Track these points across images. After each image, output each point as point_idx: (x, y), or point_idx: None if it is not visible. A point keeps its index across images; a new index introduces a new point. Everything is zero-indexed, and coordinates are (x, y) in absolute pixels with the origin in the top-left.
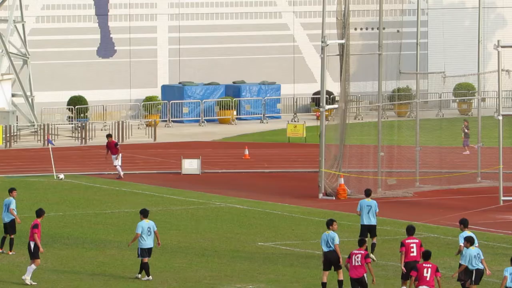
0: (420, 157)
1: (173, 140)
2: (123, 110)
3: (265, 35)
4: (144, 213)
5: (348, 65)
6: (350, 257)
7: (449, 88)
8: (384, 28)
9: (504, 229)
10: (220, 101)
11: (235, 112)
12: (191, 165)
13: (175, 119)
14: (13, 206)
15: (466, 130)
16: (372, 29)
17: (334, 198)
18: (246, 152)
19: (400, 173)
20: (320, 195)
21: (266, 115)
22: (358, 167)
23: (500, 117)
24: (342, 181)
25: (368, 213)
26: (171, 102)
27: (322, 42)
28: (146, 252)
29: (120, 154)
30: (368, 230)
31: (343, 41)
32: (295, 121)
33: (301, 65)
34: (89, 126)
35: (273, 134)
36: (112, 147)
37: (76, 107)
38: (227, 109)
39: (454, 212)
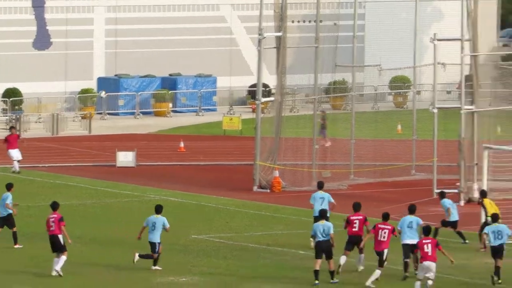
0: (355, 149)
1: (108, 132)
2: (58, 103)
3: (202, 28)
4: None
5: (284, 58)
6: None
7: (385, 81)
8: (321, 21)
9: (437, 222)
10: (156, 93)
11: (170, 105)
12: (126, 158)
13: (111, 111)
14: (9, 200)
15: (322, 122)
16: (309, 22)
17: (268, 190)
18: (182, 144)
19: (334, 165)
20: (255, 188)
21: (202, 107)
22: (293, 160)
23: (435, 110)
24: (277, 173)
25: (321, 205)
26: (106, 94)
27: (259, 34)
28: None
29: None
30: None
31: (280, 34)
32: (231, 113)
33: (238, 58)
34: (23, 119)
35: (208, 127)
36: (14, 141)
37: (11, 99)
38: (163, 101)
39: (388, 204)
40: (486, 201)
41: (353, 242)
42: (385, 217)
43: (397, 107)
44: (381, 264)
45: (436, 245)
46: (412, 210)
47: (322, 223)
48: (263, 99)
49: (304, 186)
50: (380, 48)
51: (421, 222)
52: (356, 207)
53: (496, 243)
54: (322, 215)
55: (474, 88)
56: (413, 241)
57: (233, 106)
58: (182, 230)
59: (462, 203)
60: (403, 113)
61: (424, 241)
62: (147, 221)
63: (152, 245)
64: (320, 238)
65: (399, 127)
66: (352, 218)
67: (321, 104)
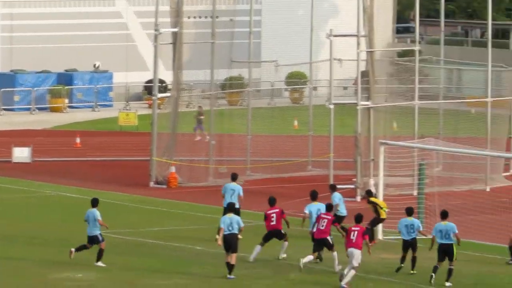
0: (251, 145)
1: (4, 128)
2: None
3: (98, 23)
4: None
5: (180, 53)
6: None
7: (281, 77)
8: (217, 17)
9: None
10: (52, 89)
11: (66, 100)
12: (21, 154)
13: (6, 107)
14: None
15: (199, 117)
16: (206, 17)
17: (165, 186)
18: (78, 140)
19: (231, 161)
20: (151, 184)
21: (98, 103)
22: (190, 156)
23: (332, 106)
24: (173, 169)
25: (231, 196)
26: (1, 90)
27: (155, 30)
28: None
29: None
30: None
31: (176, 30)
32: (127, 109)
33: (134, 54)
34: None
35: (105, 123)
36: None
37: None
38: (59, 97)
39: (285, 200)
40: (373, 198)
41: (272, 235)
42: (328, 207)
43: (293, 103)
44: (330, 247)
45: (363, 234)
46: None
47: (230, 216)
48: (160, 95)
49: (200, 182)
50: (276, 44)
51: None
52: (271, 202)
53: (409, 237)
54: (230, 208)
55: (370, 84)
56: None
57: (129, 102)
58: (78, 226)
59: (358, 198)
60: (300, 108)
61: (353, 228)
62: (86, 215)
63: (91, 238)
64: (226, 231)
65: (296, 122)
66: (268, 212)
67: (217, 100)
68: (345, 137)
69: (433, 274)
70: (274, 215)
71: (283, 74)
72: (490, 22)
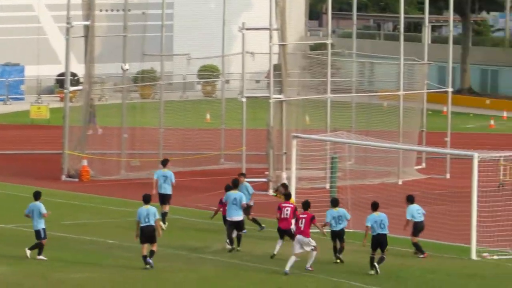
0: (164, 138)
1: None
2: None
3: (9, 16)
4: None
5: (93, 46)
6: None
7: (193, 70)
8: (129, 10)
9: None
10: None
11: None
12: None
13: None
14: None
15: (90, 110)
16: (118, 10)
17: (77, 180)
18: None
19: (143, 154)
20: (63, 177)
21: (9, 96)
22: (102, 149)
23: (244, 99)
24: (85, 162)
25: (164, 182)
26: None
27: (67, 23)
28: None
29: None
30: (162, 198)
31: (88, 23)
32: (39, 102)
33: (46, 47)
34: None
35: (16, 116)
36: None
37: None
38: None
39: (198, 193)
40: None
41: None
42: (288, 196)
43: (206, 96)
44: (292, 236)
45: (310, 220)
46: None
47: (147, 207)
48: (72, 88)
49: (112, 175)
50: (189, 37)
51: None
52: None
53: (338, 227)
54: (145, 199)
55: (283, 77)
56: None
57: (41, 95)
58: None
59: (271, 192)
60: (212, 102)
61: (301, 215)
62: (28, 209)
63: (37, 232)
64: (143, 223)
65: (208, 116)
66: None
67: (130, 93)
68: (257, 131)
69: (376, 264)
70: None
71: (196, 67)
72: (402, 15)
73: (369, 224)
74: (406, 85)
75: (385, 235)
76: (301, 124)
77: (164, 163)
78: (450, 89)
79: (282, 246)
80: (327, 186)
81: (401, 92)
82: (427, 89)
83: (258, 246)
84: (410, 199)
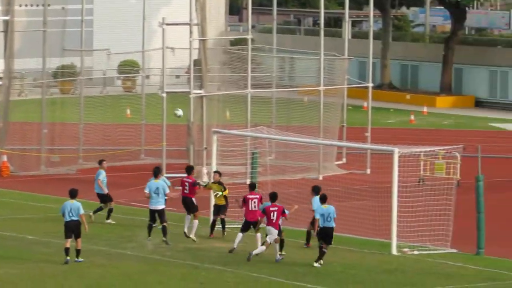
0: (83, 134)
1: None
2: None
3: None
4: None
5: (12, 41)
6: None
7: (113, 66)
8: (49, 5)
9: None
10: None
11: None
12: None
13: None
14: (101, 177)
15: None
16: (37, 5)
17: None
18: None
19: (63, 150)
20: None
21: None
22: (21, 144)
23: (164, 94)
24: (5, 158)
25: (96, 179)
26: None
27: None
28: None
29: None
30: (101, 198)
31: (7, 18)
32: None
33: None
34: None
35: None
36: None
37: None
38: None
39: (118, 189)
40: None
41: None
42: (252, 187)
43: (126, 91)
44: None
45: (282, 213)
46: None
47: (72, 202)
48: None
49: (32, 171)
50: (108, 32)
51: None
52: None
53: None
54: (71, 194)
55: (203, 72)
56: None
57: None
58: None
59: (201, 183)
60: (132, 97)
61: (271, 208)
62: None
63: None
64: (67, 218)
65: (128, 111)
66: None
67: (49, 88)
68: (177, 126)
69: (320, 260)
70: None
71: (115, 62)
72: (322, 10)
73: (317, 216)
74: (327, 80)
75: (331, 228)
76: (221, 119)
77: (100, 162)
78: (370, 84)
79: (242, 240)
80: (248, 181)
81: (321, 87)
82: (348, 84)
83: (180, 241)
84: (316, 190)
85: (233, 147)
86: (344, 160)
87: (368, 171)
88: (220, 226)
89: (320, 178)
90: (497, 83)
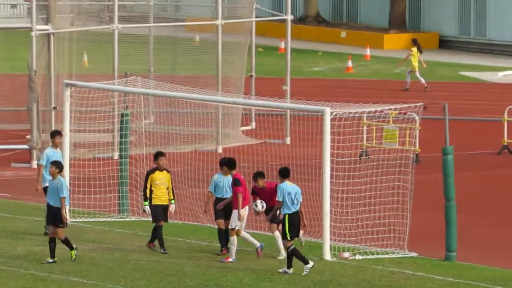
0: None
1: None
2: None
3: None
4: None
5: None
6: None
7: None
8: None
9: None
10: None
11: None
12: None
13: None
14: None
15: None
16: None
17: None
18: None
19: None
20: None
21: None
22: None
23: None
24: None
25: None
26: None
27: None
28: None
29: None
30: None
31: None
32: None
33: None
34: None
35: None
36: None
37: None
38: None
39: None
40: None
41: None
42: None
43: None
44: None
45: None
46: None
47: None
48: None
49: None
50: None
51: None
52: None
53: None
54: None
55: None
56: None
57: None
58: None
59: (35, 164)
60: None
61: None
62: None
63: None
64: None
65: None
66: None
67: None
68: (14, 76)
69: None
70: None
71: None
72: None
73: (281, 199)
74: (227, 11)
75: (298, 212)
76: (77, 67)
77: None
78: (289, 17)
79: None
80: (116, 155)
81: (219, 21)
82: (257, 17)
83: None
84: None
85: (94, 106)
86: (253, 125)
87: (288, 140)
88: None
89: (220, 150)
90: (471, 15)
